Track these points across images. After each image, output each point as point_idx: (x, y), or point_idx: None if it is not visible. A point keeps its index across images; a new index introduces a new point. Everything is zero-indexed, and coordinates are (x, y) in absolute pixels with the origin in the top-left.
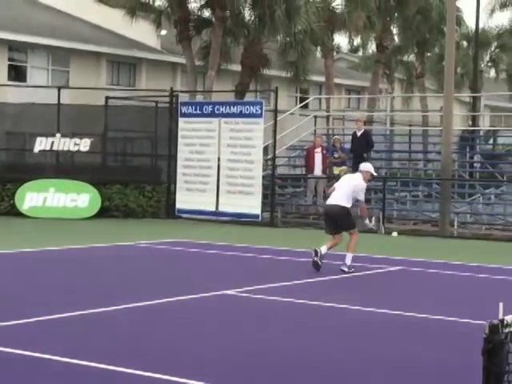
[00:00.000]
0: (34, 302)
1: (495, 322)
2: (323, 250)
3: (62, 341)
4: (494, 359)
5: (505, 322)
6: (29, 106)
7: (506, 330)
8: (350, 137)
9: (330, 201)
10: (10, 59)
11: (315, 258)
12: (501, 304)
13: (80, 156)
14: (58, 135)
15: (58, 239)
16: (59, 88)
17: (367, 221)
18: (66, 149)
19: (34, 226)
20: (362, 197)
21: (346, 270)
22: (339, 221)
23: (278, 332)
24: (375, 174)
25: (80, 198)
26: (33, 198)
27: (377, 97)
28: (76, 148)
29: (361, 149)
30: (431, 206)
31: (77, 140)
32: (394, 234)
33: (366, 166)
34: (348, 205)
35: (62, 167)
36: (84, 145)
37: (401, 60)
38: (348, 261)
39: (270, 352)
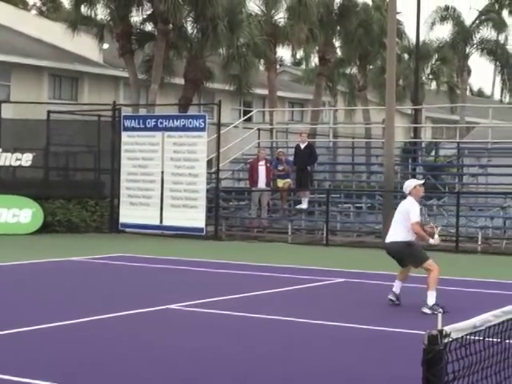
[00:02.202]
0: None
1: (434, 332)
2: (397, 289)
3: (6, 358)
4: (434, 369)
5: (444, 332)
6: None
7: (445, 341)
8: (294, 149)
9: (387, 238)
10: None
11: (395, 301)
12: (439, 314)
13: (22, 171)
14: (0, 150)
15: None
16: (0, 102)
17: (432, 241)
18: (7, 164)
19: None
20: (413, 218)
21: (426, 311)
22: (402, 258)
23: (220, 342)
24: (421, 181)
25: (22, 214)
26: None
27: (320, 109)
28: (18, 163)
29: (304, 161)
30: (374, 217)
31: (18, 155)
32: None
33: (409, 184)
34: (406, 237)
35: (4, 182)
36: (26, 159)
37: (343, 73)
38: (429, 301)
39: (209, 363)
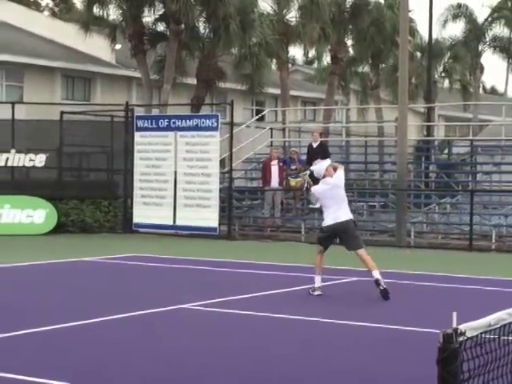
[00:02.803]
0: None
1: (449, 331)
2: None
3: (16, 358)
4: (449, 368)
5: (459, 331)
6: None
7: (460, 339)
8: (306, 149)
9: (343, 216)
10: None
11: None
12: (454, 313)
13: (35, 172)
14: (13, 151)
15: (13, 256)
16: (13, 103)
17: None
18: (21, 165)
19: None
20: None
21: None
22: (351, 237)
23: (233, 342)
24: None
25: (36, 214)
26: None
27: (332, 108)
28: (31, 164)
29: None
30: (388, 216)
31: (32, 156)
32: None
33: (322, 166)
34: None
35: (18, 183)
36: (39, 160)
37: (356, 71)
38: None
39: (229, 364)
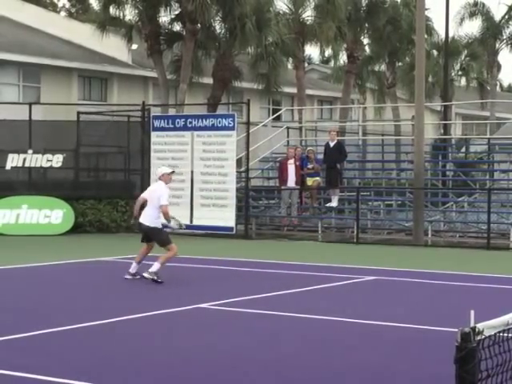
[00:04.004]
0: (1, 320)
1: (467, 329)
2: (133, 270)
3: (37, 358)
4: (467, 367)
5: (476, 329)
6: (0, 123)
7: (478, 338)
8: (323, 148)
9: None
10: None
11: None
12: (472, 312)
13: (53, 172)
14: (30, 152)
15: (31, 256)
16: (30, 104)
17: (172, 223)
18: (38, 165)
19: (6, 244)
20: (163, 201)
21: (147, 276)
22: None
23: (251, 341)
24: (169, 170)
25: (53, 215)
26: (5, 215)
27: (349, 107)
28: (48, 164)
29: (334, 159)
30: (405, 215)
31: (49, 156)
32: None
33: (160, 170)
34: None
35: (35, 184)
36: (56, 161)
37: (372, 70)
38: (154, 268)
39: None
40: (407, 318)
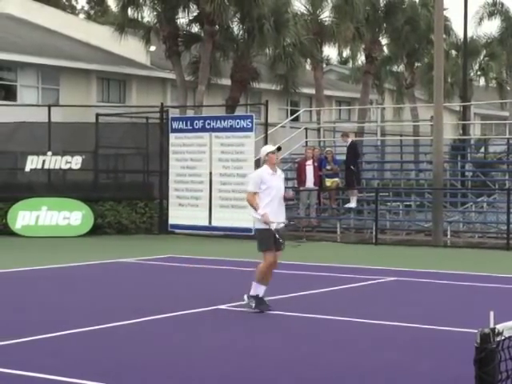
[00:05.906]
0: (23, 321)
1: (486, 330)
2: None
3: (58, 359)
4: (486, 368)
5: (496, 330)
6: (19, 125)
7: (498, 339)
8: (341, 148)
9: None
10: None
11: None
12: (491, 313)
13: (72, 174)
14: (50, 153)
15: (51, 258)
16: (49, 106)
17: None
18: (57, 167)
19: (26, 245)
20: (247, 187)
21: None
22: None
23: (270, 342)
24: (272, 148)
25: (73, 216)
26: (25, 216)
27: (367, 108)
28: (67, 166)
29: (348, 161)
30: (424, 215)
31: (68, 158)
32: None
33: (263, 150)
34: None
35: (54, 185)
36: (75, 162)
37: (390, 70)
38: (252, 291)
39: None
40: (426, 319)
